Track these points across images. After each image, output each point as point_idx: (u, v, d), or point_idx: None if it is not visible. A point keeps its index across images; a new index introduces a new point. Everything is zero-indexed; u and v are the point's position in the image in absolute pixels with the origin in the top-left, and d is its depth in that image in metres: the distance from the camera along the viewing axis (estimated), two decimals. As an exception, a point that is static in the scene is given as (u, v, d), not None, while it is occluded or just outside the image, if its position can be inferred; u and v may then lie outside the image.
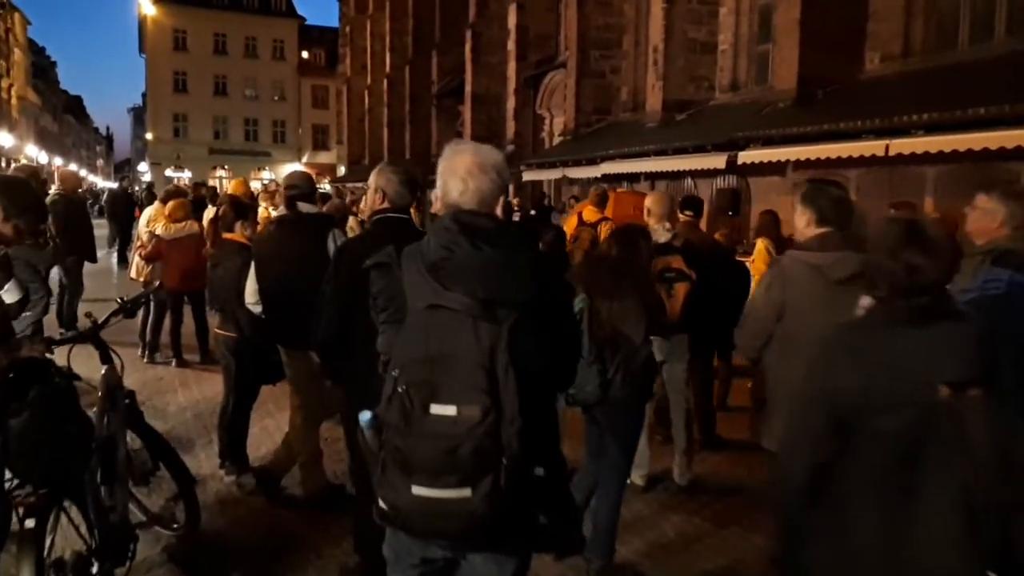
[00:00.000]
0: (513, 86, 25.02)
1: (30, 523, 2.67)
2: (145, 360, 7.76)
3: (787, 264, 2.81)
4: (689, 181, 16.35)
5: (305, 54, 56.40)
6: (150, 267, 7.84)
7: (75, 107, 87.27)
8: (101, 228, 13.42)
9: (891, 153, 10.83)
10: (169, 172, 48.53)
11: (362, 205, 12.76)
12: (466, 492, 1.79)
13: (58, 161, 47.95)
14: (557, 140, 22.92)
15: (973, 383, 1.74)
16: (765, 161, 13.22)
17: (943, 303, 1.79)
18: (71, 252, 8.29)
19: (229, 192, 10.21)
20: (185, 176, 44.31)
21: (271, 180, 21.16)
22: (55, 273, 7.65)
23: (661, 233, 4.50)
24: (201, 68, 53.05)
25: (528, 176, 21.53)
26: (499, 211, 2.03)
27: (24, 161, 32.47)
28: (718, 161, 14.04)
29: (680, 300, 4.33)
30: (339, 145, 48.31)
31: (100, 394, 3.38)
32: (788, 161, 13.22)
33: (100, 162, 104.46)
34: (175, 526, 3.91)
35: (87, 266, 9.14)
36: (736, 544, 4.18)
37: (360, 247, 3.12)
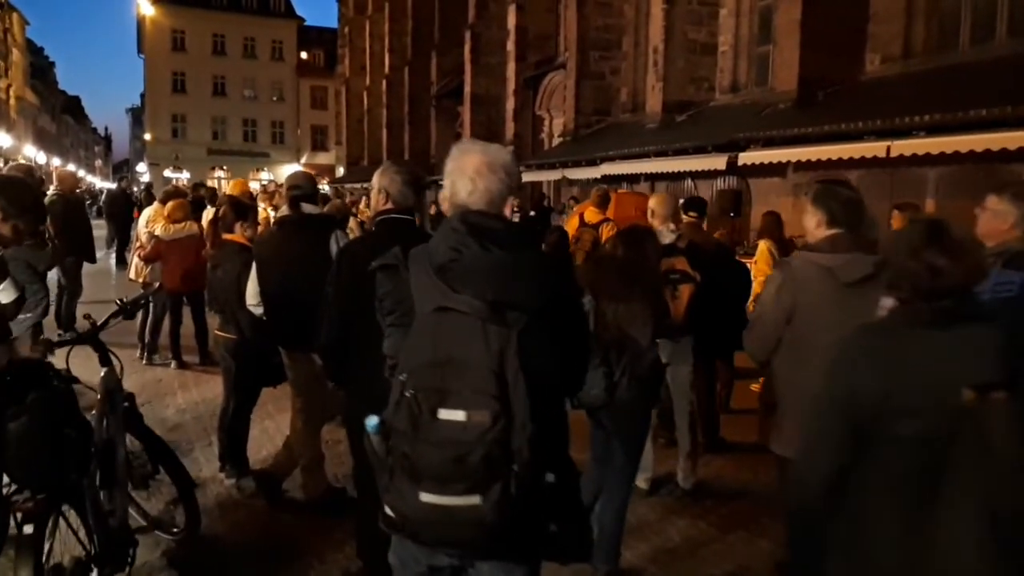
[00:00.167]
0: (512, 87, 24.99)
1: (28, 529, 2.62)
2: (144, 362, 7.71)
3: (797, 266, 2.77)
4: (689, 182, 16.32)
5: (304, 55, 56.35)
6: (149, 268, 7.80)
7: (73, 107, 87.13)
8: (99, 229, 13.38)
9: (892, 154, 10.80)
10: (167, 173, 48.45)
11: (362, 206, 12.79)
12: (475, 500, 1.75)
13: (56, 161, 47.85)
14: (556, 141, 22.90)
15: (998, 386, 1.70)
16: (766, 162, 13.19)
17: (967, 305, 1.75)
18: (69, 253, 8.23)
19: (228, 193, 10.17)
20: (183, 177, 44.25)
21: (270, 181, 21.11)
22: (53, 274, 7.60)
23: (665, 234, 4.46)
24: (200, 69, 52.99)
25: (527, 177, 21.48)
26: (508, 212, 1.99)
27: (22, 161, 32.37)
28: (718, 162, 14.02)
29: (684, 302, 4.28)
30: (338, 146, 48.26)
31: (99, 397, 3.33)
32: (789, 162, 13.20)
33: (98, 162, 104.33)
34: (175, 530, 3.86)
35: (85, 267, 9.09)
36: (742, 549, 4.14)
37: (363, 248, 3.08)
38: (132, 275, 8.20)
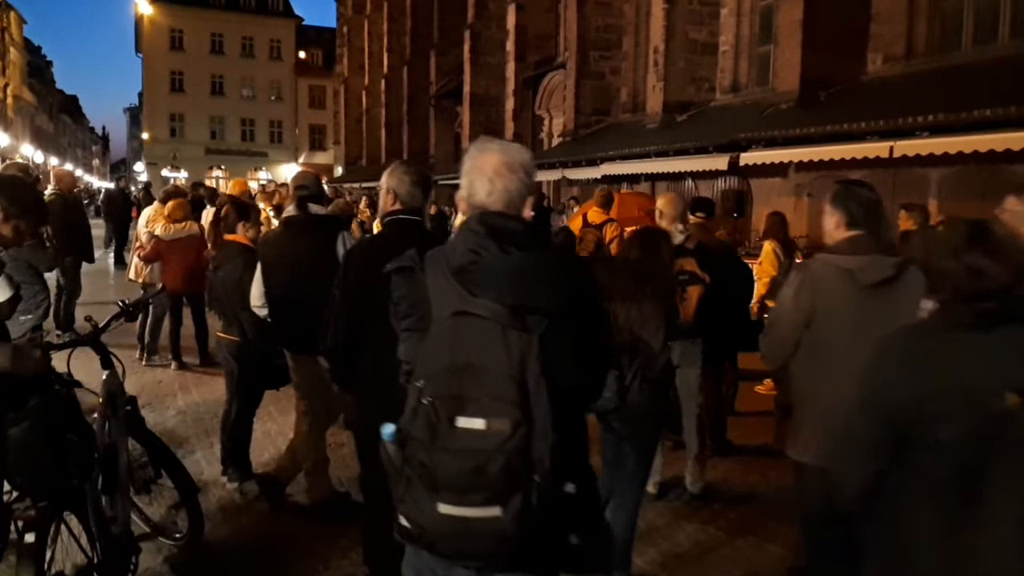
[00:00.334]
0: (512, 87, 24.94)
1: (30, 537, 2.55)
2: (143, 363, 7.64)
3: (816, 268, 2.71)
4: (690, 182, 16.28)
5: (302, 54, 56.28)
6: (149, 268, 7.72)
7: (71, 107, 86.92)
8: (97, 228, 13.30)
9: (895, 155, 10.77)
10: (165, 172, 48.37)
11: (362, 206, 12.72)
12: (495, 511, 1.69)
13: (54, 161, 47.71)
14: (556, 141, 22.85)
15: None
16: (767, 163, 13.16)
17: (1010, 306, 1.69)
18: (68, 253, 8.16)
19: (229, 193, 10.11)
20: (181, 176, 44.12)
21: (269, 181, 21.04)
22: (52, 274, 7.53)
23: (675, 235, 4.40)
24: (198, 68, 52.90)
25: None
26: (527, 213, 1.93)
27: (18, 159, 32.28)
28: (720, 162, 13.98)
29: (693, 304, 4.23)
30: (336, 146, 48.18)
31: (101, 400, 3.27)
32: (791, 163, 13.17)
33: (96, 162, 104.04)
34: (177, 536, 3.79)
35: (84, 267, 9.01)
36: (751, 554, 4.08)
37: (371, 250, 3.03)
38: (132, 275, 8.13)
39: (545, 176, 20.40)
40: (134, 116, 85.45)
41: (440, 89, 31.91)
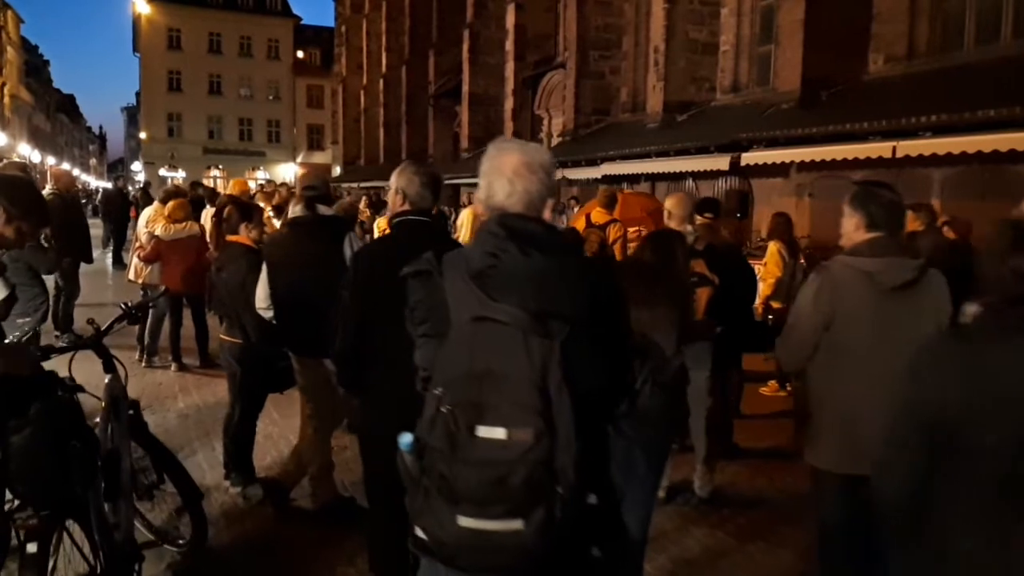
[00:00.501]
0: (511, 86, 24.90)
1: (32, 548, 2.49)
2: (143, 364, 7.56)
3: (836, 270, 2.66)
4: (691, 182, 16.25)
5: (300, 54, 56.20)
6: (149, 269, 7.65)
7: (68, 106, 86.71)
8: (95, 228, 13.19)
9: (898, 155, 10.73)
10: (163, 172, 48.27)
11: (362, 206, 12.66)
12: (517, 524, 1.64)
13: (51, 160, 47.62)
14: (556, 141, 22.78)
15: None
16: (769, 163, 13.12)
17: None
18: (67, 253, 8.07)
19: (229, 193, 10.03)
20: (179, 176, 44.04)
21: (268, 181, 20.95)
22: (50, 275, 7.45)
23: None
24: (195, 67, 52.77)
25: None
26: (548, 214, 1.88)
27: (15, 159, 32.18)
28: (721, 162, 13.94)
29: (702, 306, 4.17)
30: (334, 145, 48.10)
31: (103, 405, 3.21)
32: (792, 163, 13.13)
33: (93, 161, 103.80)
34: (180, 542, 3.72)
35: (82, 267, 8.93)
36: (762, 560, 4.03)
37: (380, 251, 2.97)
38: (131, 276, 8.04)
39: (545, 176, 20.28)
40: (131, 115, 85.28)
41: (439, 89, 31.85)
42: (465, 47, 27.62)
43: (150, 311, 7.19)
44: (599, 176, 17.15)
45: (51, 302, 7.57)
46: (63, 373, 2.95)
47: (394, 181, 2.94)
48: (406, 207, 2.93)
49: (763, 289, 6.90)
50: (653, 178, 17.42)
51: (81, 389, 2.88)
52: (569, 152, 19.57)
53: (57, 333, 8.06)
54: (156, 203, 8.11)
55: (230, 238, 4.64)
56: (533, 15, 24.62)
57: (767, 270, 7.10)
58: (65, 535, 2.84)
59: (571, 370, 1.68)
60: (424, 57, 32.87)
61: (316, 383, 4.01)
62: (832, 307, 2.62)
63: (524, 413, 1.65)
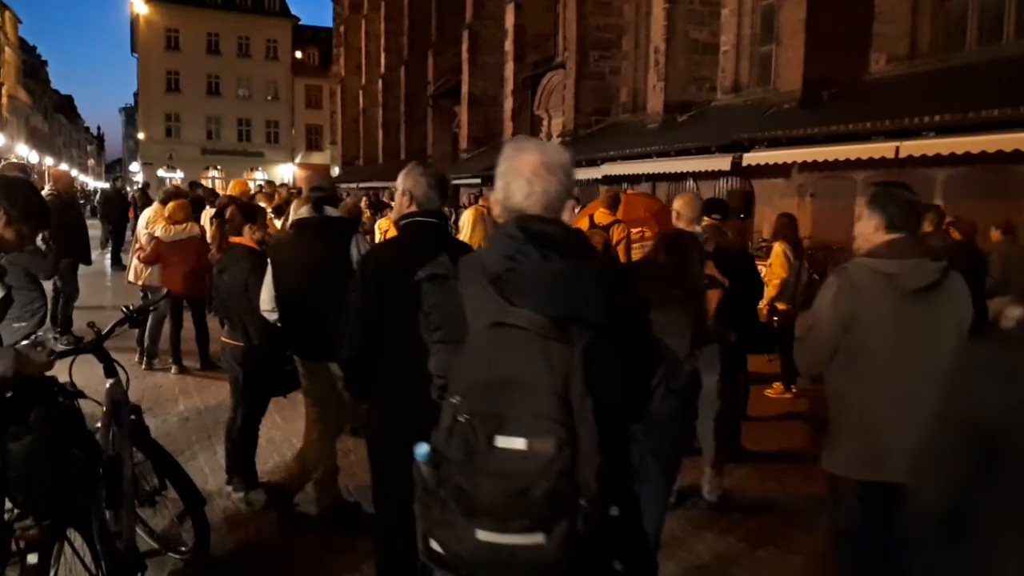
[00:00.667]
0: (511, 87, 24.84)
1: (32, 558, 2.42)
2: (143, 367, 7.48)
3: (855, 272, 2.60)
4: (691, 183, 16.18)
5: (299, 54, 56.08)
6: (148, 270, 7.57)
7: (66, 107, 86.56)
8: (93, 229, 13.10)
9: (902, 155, 10.68)
10: (161, 172, 48.12)
11: (362, 205, 12.60)
12: (539, 538, 1.58)
13: (49, 161, 47.48)
14: (556, 141, 22.72)
15: None
16: (771, 163, 13.07)
17: None
18: (65, 255, 8.00)
19: (229, 193, 9.96)
20: (177, 176, 43.92)
21: (267, 181, 20.89)
22: (48, 277, 7.38)
23: (693, 238, 4.27)
24: (194, 68, 52.63)
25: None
26: (568, 216, 1.82)
27: (14, 159, 32.06)
28: (723, 163, 13.89)
29: (712, 309, 4.11)
30: (332, 146, 48.00)
31: (104, 410, 3.14)
32: (794, 163, 13.08)
33: (91, 162, 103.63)
34: (183, 549, 3.66)
35: (80, 268, 8.86)
36: (774, 566, 3.98)
37: (389, 254, 2.90)
38: (131, 277, 7.96)
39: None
40: (129, 116, 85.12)
41: (438, 89, 31.78)
42: (464, 47, 27.56)
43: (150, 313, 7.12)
44: (599, 176, 17.09)
45: (49, 304, 7.51)
46: (63, 378, 2.89)
47: (401, 182, 2.87)
48: (413, 208, 2.86)
49: (768, 290, 6.84)
50: (654, 178, 17.36)
51: (82, 394, 2.82)
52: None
53: (56, 336, 7.98)
54: (156, 204, 8.04)
55: (233, 239, 4.57)
56: (532, 15, 24.56)
57: (772, 271, 7.05)
58: (66, 544, 2.76)
59: (593, 378, 1.62)
60: (423, 57, 32.80)
61: (321, 387, 3.95)
62: (852, 309, 2.56)
63: (545, 423, 1.59)
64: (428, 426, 1.77)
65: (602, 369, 1.65)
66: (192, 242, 7.31)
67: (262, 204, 9.20)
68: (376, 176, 32.67)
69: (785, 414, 6.63)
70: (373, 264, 2.81)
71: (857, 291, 2.56)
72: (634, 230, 8.21)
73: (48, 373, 2.74)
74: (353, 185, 32.17)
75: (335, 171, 44.34)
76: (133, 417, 3.29)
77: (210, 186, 22.78)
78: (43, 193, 8.07)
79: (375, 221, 11.24)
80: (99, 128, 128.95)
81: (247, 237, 4.52)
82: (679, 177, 16.24)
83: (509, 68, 24.82)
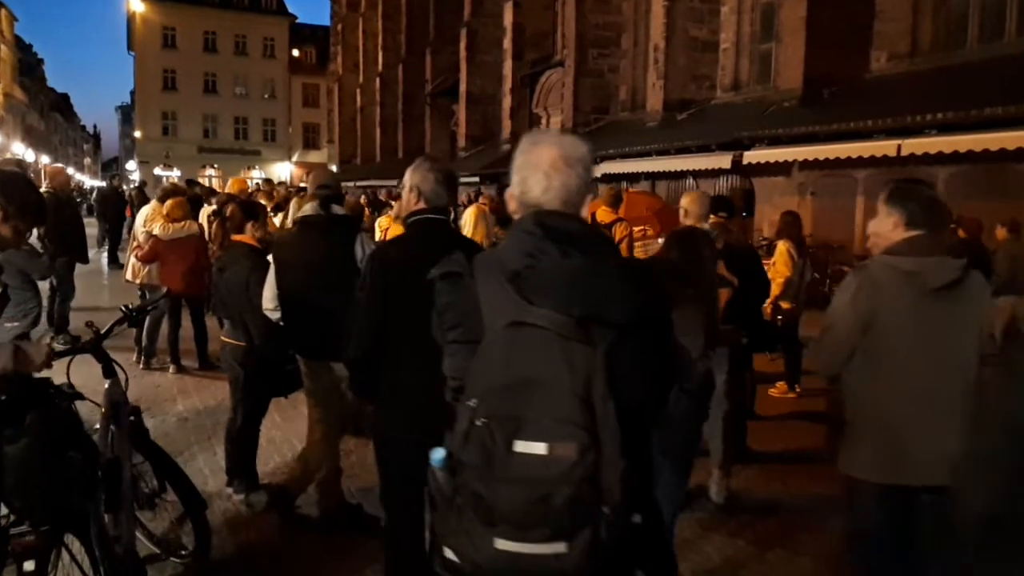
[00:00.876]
0: (509, 85, 24.78)
1: (29, 566, 2.35)
2: (141, 366, 7.40)
3: (875, 270, 2.52)
4: (691, 181, 16.13)
5: (296, 52, 55.96)
6: (146, 269, 7.49)
7: (62, 105, 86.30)
8: (90, 227, 13.01)
9: (903, 153, 10.64)
10: (158, 171, 47.98)
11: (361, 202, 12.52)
12: (560, 547, 1.51)
13: (45, 159, 47.31)
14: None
15: None
16: (771, 161, 13.02)
17: None
18: (61, 253, 7.92)
19: (228, 191, 9.88)
20: (174, 175, 43.78)
21: (265, 180, 20.82)
22: (44, 276, 7.28)
23: (701, 236, 4.20)
24: (190, 66, 52.47)
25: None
26: (587, 212, 1.75)
27: (8, 156, 31.93)
28: (723, 161, 13.84)
29: (721, 307, 4.05)
30: (329, 144, 47.90)
31: (103, 411, 3.07)
32: (795, 161, 13.04)
33: (87, 160, 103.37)
34: (183, 552, 3.58)
35: (77, 267, 8.77)
36: (784, 569, 3.92)
37: (396, 252, 2.83)
38: (129, 276, 7.88)
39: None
40: (126, 114, 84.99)
41: (436, 87, 31.70)
42: (462, 45, 27.48)
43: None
44: (599, 175, 17.02)
45: (46, 303, 7.41)
46: (60, 378, 2.82)
47: (408, 178, 2.80)
48: (421, 205, 2.79)
49: (772, 289, 6.78)
50: (653, 177, 17.31)
51: (80, 396, 2.74)
52: (568, 151, 19.40)
53: (52, 334, 7.89)
54: (154, 202, 7.94)
55: (235, 237, 4.49)
56: (531, 13, 24.50)
57: (776, 269, 6.99)
58: (64, 550, 2.69)
59: (615, 379, 1.55)
60: (421, 55, 32.71)
61: (325, 387, 3.87)
62: (872, 308, 2.49)
63: (566, 426, 1.52)
64: (434, 426, 1.71)
65: (625, 370, 1.58)
66: (191, 240, 7.23)
67: (262, 202, 9.13)
68: (374, 175, 32.60)
69: (789, 414, 6.58)
70: (380, 263, 2.74)
71: (877, 290, 2.50)
72: (636, 228, 8.15)
73: (45, 374, 2.68)
74: (351, 184, 32.07)
75: (332, 169, 44.23)
76: (132, 418, 3.21)
77: (207, 184, 22.66)
78: (39, 191, 8.02)
79: (375, 220, 11.17)
80: (95, 126, 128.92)
81: (249, 235, 4.45)
82: (679, 175, 16.18)
83: (507, 66, 24.75)
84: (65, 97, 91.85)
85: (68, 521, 2.60)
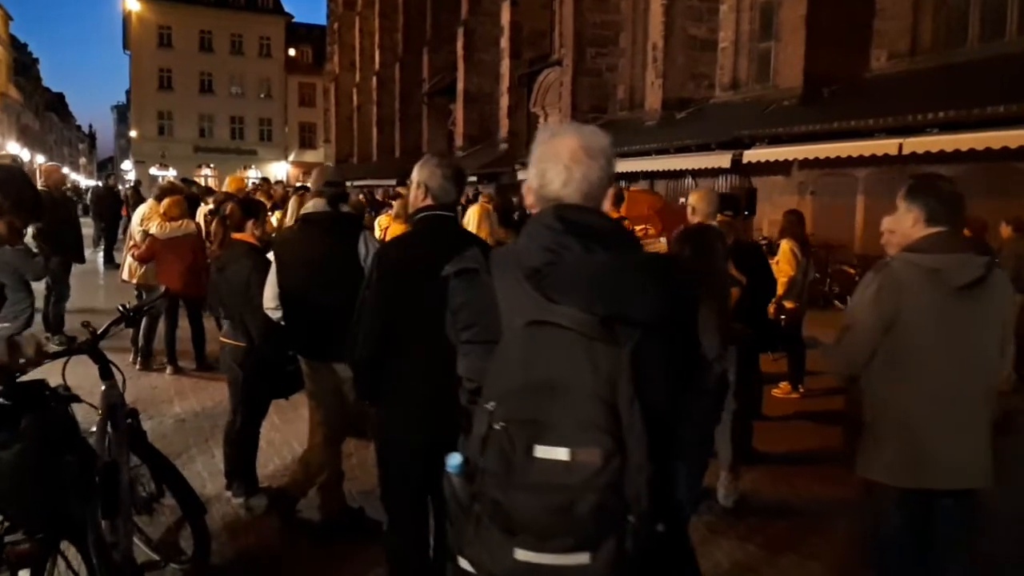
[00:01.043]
0: (507, 84, 24.72)
1: (24, 575, 2.27)
2: (138, 367, 7.29)
3: (898, 268, 2.45)
4: (690, 180, 16.07)
5: (292, 52, 55.84)
6: (143, 268, 7.39)
7: (57, 104, 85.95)
8: (85, 227, 12.89)
9: (905, 152, 10.59)
10: (153, 170, 47.81)
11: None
12: (584, 558, 1.43)
13: (40, 159, 47.05)
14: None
15: None
16: (771, 160, 12.97)
17: None
18: (57, 253, 7.82)
19: (226, 190, 9.79)
20: (170, 174, 43.61)
21: (263, 179, 20.73)
22: (40, 275, 7.18)
23: (709, 234, 4.13)
24: (186, 65, 52.31)
25: (523, 175, 21.14)
26: (608, 206, 1.67)
27: (3, 154, 31.76)
28: (723, 160, 13.79)
29: (730, 307, 3.98)
30: (326, 144, 47.76)
31: (100, 414, 2.98)
32: (794, 160, 12.99)
33: (83, 160, 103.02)
34: (182, 558, 3.50)
35: (73, 267, 8.66)
36: (796, 573, 3.84)
37: (402, 250, 2.76)
38: (125, 276, 7.78)
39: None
40: (122, 114, 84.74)
41: (433, 86, 31.62)
42: (460, 44, 27.41)
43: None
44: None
45: (41, 303, 7.32)
46: (55, 380, 2.73)
47: (415, 174, 2.73)
48: (428, 201, 2.72)
49: (776, 288, 6.72)
50: (652, 176, 17.25)
51: (76, 398, 2.66)
52: (567, 150, 19.33)
53: (48, 335, 7.79)
54: (151, 200, 7.84)
55: (235, 236, 4.41)
56: (528, 12, 24.44)
57: (780, 269, 6.93)
58: (60, 558, 2.60)
59: (641, 381, 1.48)
60: (418, 54, 32.62)
61: (327, 388, 3.79)
62: (895, 307, 2.42)
63: (590, 431, 1.44)
64: (441, 428, 1.63)
65: (651, 371, 1.50)
66: (188, 239, 7.13)
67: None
68: (371, 174, 32.48)
69: (793, 414, 6.52)
70: (387, 261, 2.67)
71: (902, 288, 2.42)
72: (637, 227, 8.10)
73: (39, 376, 2.59)
74: (348, 183, 31.97)
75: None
76: (130, 421, 3.13)
77: (204, 184, 22.53)
78: (35, 189, 7.92)
79: (374, 219, 11.08)
80: (91, 126, 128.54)
81: (248, 233, 4.36)
82: (678, 175, 16.13)
83: (505, 65, 24.69)
84: (60, 97, 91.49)
85: (64, 528, 2.52)
